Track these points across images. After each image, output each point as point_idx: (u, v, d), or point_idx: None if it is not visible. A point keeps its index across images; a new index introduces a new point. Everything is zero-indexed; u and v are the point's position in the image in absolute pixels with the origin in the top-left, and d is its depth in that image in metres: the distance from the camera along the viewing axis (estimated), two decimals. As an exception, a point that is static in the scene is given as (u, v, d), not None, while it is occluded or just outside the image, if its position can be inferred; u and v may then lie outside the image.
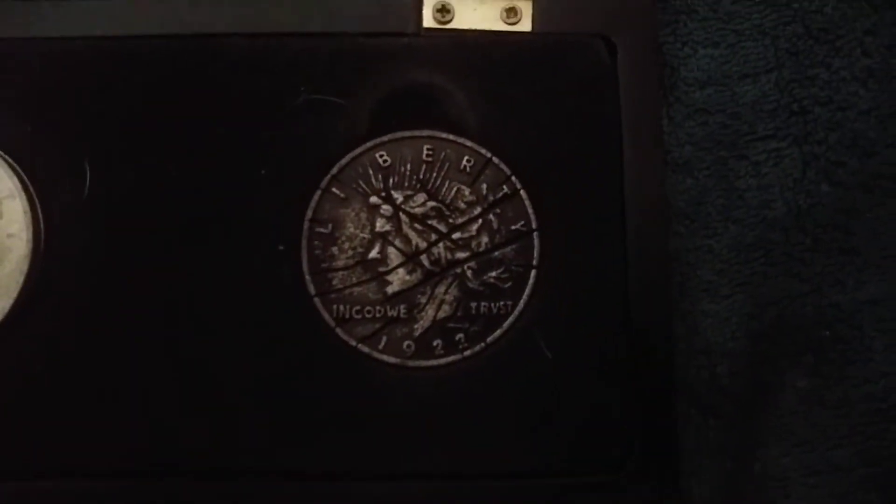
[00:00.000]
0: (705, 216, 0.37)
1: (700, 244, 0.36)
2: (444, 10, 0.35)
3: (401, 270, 0.33)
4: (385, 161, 0.34)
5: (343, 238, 0.33)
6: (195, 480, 0.32)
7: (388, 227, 0.33)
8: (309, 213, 0.33)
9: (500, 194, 0.34)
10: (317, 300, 0.33)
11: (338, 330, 0.33)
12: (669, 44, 0.37)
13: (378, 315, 0.33)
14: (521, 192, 0.34)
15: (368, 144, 0.34)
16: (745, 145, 0.37)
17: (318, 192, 0.33)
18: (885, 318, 0.35)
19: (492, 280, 0.33)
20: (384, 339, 0.33)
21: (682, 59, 0.37)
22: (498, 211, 0.34)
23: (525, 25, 0.35)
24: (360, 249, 0.33)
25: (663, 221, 0.35)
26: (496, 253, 0.33)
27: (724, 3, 0.37)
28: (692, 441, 0.35)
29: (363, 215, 0.33)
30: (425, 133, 0.34)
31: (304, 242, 0.33)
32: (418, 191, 0.34)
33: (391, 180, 0.34)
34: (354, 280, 0.33)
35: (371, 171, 0.34)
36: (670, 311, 0.35)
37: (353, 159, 0.34)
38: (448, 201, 0.34)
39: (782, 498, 0.35)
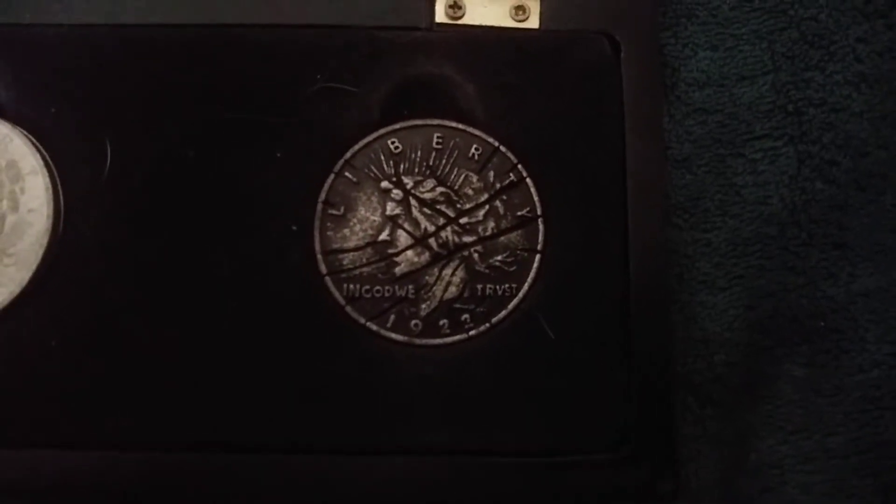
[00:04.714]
0: (703, 211, 0.38)
1: (698, 238, 0.37)
2: (455, 7, 0.36)
3: (409, 252, 0.34)
4: (397, 147, 0.35)
5: (354, 220, 0.34)
6: (204, 454, 0.33)
7: (398, 211, 0.34)
8: (322, 196, 0.34)
9: (507, 181, 0.35)
10: (327, 279, 0.34)
11: (347, 308, 0.33)
12: (671, 45, 0.39)
13: (387, 294, 0.34)
14: (527, 179, 0.35)
15: (381, 131, 0.35)
16: (743, 144, 0.38)
17: (332, 176, 0.34)
18: (877, 309, 0.36)
19: (497, 263, 0.34)
20: (392, 317, 0.33)
21: (683, 60, 0.39)
22: (504, 197, 0.35)
23: (533, 23, 0.36)
24: (370, 231, 0.34)
25: (663, 214, 0.36)
26: (502, 237, 0.34)
27: (723, 8, 0.39)
28: (689, 429, 0.36)
29: (374, 199, 0.34)
30: (436, 122, 0.35)
31: (316, 223, 0.34)
32: (428, 177, 0.35)
33: (402, 166, 0.35)
34: (364, 261, 0.34)
35: (383, 157, 0.35)
36: (669, 302, 0.36)
37: (366, 145, 0.35)
38: (456, 187, 0.35)
39: (779, 485, 0.35)
